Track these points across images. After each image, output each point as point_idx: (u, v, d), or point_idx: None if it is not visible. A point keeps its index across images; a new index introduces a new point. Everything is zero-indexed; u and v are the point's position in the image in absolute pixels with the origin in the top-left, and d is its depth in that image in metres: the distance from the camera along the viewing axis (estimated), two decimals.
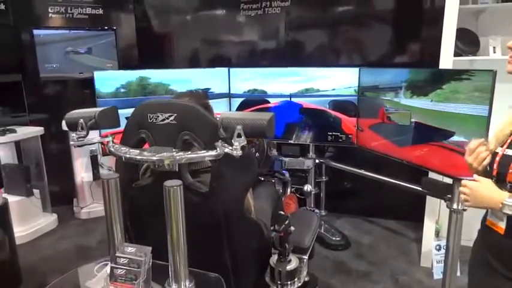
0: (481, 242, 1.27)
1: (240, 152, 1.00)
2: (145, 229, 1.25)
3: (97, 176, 3.35)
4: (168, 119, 1.14)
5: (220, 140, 1.04)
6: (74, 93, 3.39)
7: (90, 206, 3.42)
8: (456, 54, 2.31)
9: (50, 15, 3.30)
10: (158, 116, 1.15)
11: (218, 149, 1.03)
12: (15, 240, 2.48)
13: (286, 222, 1.33)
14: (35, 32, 3.14)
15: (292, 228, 1.34)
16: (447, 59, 2.20)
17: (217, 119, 1.07)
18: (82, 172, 3.41)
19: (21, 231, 2.91)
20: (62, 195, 3.47)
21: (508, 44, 1.15)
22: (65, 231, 3.17)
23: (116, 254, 0.99)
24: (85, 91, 3.28)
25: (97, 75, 2.56)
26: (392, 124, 2.29)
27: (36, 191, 3.14)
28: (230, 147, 1.02)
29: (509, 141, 1.15)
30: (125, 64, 3.42)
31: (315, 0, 3.15)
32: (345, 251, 2.81)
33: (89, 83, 2.92)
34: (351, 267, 2.60)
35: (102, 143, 1.18)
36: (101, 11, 3.44)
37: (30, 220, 3.06)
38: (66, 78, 3.33)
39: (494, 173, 1.15)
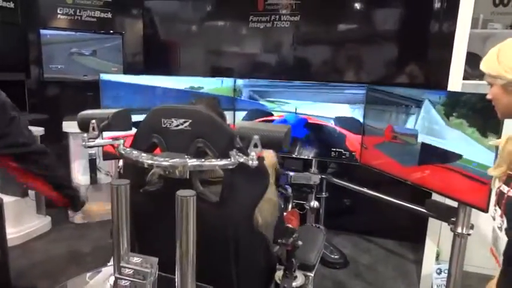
0: None
1: (256, 162, 0.98)
2: (151, 237, 1.21)
3: (94, 180, 3.30)
4: (182, 124, 1.12)
5: (235, 149, 1.02)
6: (77, 95, 3.37)
7: (86, 211, 3.35)
8: (463, 77, 2.31)
9: (59, 16, 3.30)
10: (172, 122, 1.13)
11: (232, 158, 1.01)
12: (7, 242, 2.42)
13: (294, 235, 1.30)
14: (42, 32, 3.14)
15: (299, 242, 1.31)
16: (456, 82, 2.21)
17: (234, 128, 1.05)
18: (79, 175, 3.35)
19: (14, 232, 2.85)
20: None
21: (487, 97, 1.12)
22: (58, 235, 3.11)
23: (121, 264, 0.95)
24: (88, 94, 3.26)
25: (103, 78, 2.54)
26: (398, 143, 2.27)
27: (31, 193, 3.08)
28: (245, 157, 1.00)
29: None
30: (130, 69, 3.41)
31: (324, 17, 3.17)
32: (343, 270, 2.77)
33: (93, 86, 2.90)
34: (349, 287, 2.55)
35: (112, 146, 1.14)
36: (109, 15, 3.44)
37: (24, 222, 3.00)
38: (70, 80, 3.32)
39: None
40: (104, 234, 2.85)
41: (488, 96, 1.12)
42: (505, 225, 1.11)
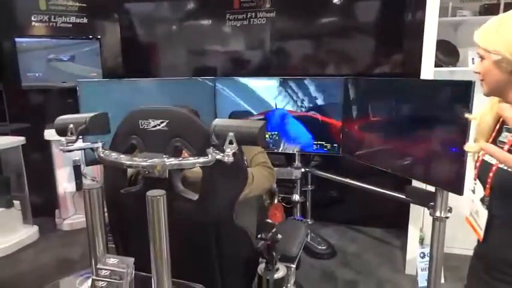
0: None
1: (231, 159, 1.00)
2: (133, 238, 1.23)
3: (80, 186, 3.29)
4: (159, 125, 1.15)
5: (211, 147, 1.04)
6: (57, 102, 3.34)
7: (73, 217, 3.35)
8: (436, 65, 2.36)
9: (33, 23, 3.27)
10: (150, 122, 1.16)
11: (209, 155, 1.03)
12: None
13: (273, 230, 1.33)
14: (17, 40, 3.11)
15: (279, 236, 1.34)
16: (428, 70, 2.25)
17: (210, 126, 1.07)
18: (64, 182, 3.34)
19: (1, 243, 2.84)
20: (43, 206, 3.39)
21: (473, 70, 1.05)
22: (47, 244, 3.09)
23: (98, 266, 0.97)
24: (68, 100, 3.23)
25: (80, 84, 2.53)
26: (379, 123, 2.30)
27: (16, 203, 3.06)
28: (221, 154, 1.02)
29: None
30: (109, 73, 3.40)
31: (299, 12, 3.20)
32: (331, 260, 2.81)
33: (73, 92, 2.88)
34: (337, 276, 2.60)
35: (91, 149, 1.15)
36: (85, 20, 3.42)
37: (10, 232, 2.98)
38: (48, 87, 3.29)
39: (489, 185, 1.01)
40: None
41: (476, 69, 1.02)
42: (487, 199, 1.03)
